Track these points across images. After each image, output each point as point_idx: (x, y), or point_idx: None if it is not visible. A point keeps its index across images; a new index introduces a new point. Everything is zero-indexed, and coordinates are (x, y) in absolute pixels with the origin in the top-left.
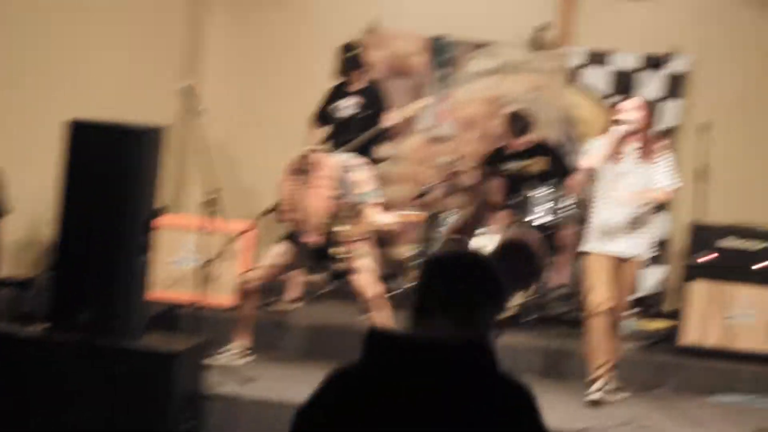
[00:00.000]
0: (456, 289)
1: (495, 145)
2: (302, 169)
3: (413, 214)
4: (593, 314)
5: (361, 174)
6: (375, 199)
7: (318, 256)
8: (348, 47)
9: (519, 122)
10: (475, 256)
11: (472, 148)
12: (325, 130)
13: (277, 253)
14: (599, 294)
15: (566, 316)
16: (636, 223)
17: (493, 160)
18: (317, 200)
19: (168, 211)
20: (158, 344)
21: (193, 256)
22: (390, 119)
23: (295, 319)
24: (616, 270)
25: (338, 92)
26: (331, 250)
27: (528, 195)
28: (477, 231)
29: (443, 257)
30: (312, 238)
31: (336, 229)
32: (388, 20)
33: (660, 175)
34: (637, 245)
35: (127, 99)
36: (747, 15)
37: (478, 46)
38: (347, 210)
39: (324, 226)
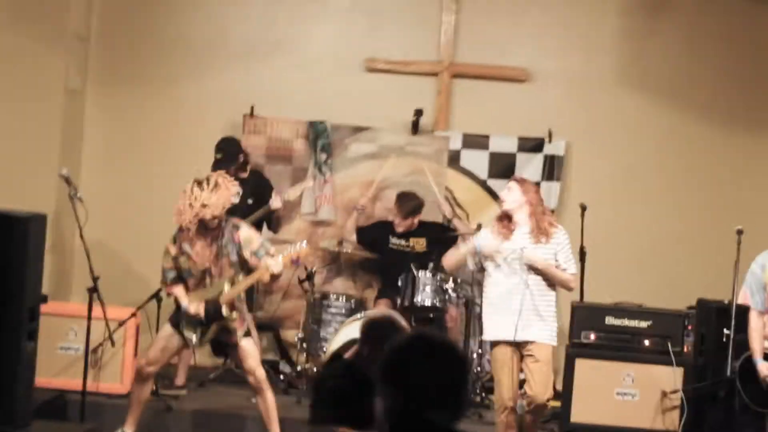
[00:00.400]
0: None
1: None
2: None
3: (294, 251)
4: (500, 411)
5: (247, 231)
6: (268, 250)
7: (207, 321)
8: (216, 148)
9: (409, 202)
10: None
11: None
12: None
13: (165, 335)
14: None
15: None
16: (542, 306)
17: (387, 233)
18: (217, 208)
19: (52, 298)
20: None
21: (79, 343)
22: (275, 203)
23: (183, 405)
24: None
25: None
26: (224, 311)
27: (414, 276)
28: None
29: None
30: (196, 310)
31: (224, 289)
32: (266, 107)
33: (563, 259)
34: (543, 329)
35: (5, 186)
36: (618, 100)
37: (357, 130)
38: (234, 268)
39: (209, 291)
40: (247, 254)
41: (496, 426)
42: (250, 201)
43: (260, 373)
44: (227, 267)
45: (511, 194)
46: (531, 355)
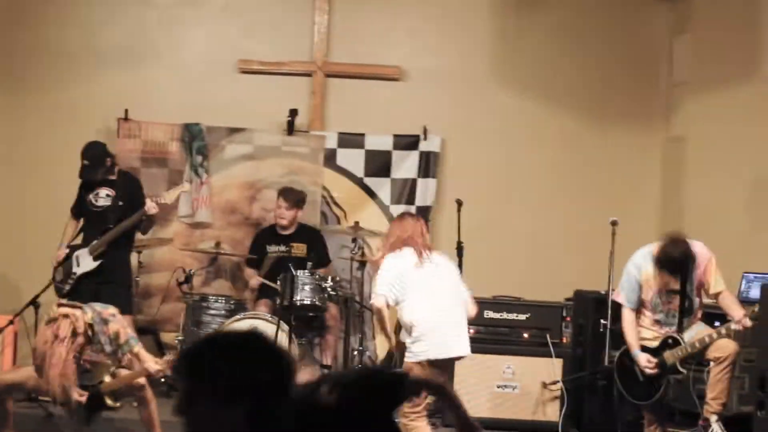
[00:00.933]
0: None
1: (262, 228)
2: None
3: (168, 360)
4: None
5: (116, 324)
6: (138, 344)
7: (91, 408)
8: (84, 151)
9: (293, 193)
10: None
11: (231, 233)
12: (81, 223)
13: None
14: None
15: None
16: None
17: (264, 241)
18: (58, 367)
19: None
20: None
21: None
22: (151, 207)
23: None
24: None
25: (91, 184)
26: (108, 402)
27: (292, 275)
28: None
29: None
30: (79, 398)
31: (105, 380)
32: (140, 111)
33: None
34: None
35: None
36: (492, 96)
37: (233, 131)
38: (111, 359)
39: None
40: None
41: None
42: (121, 203)
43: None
44: (102, 359)
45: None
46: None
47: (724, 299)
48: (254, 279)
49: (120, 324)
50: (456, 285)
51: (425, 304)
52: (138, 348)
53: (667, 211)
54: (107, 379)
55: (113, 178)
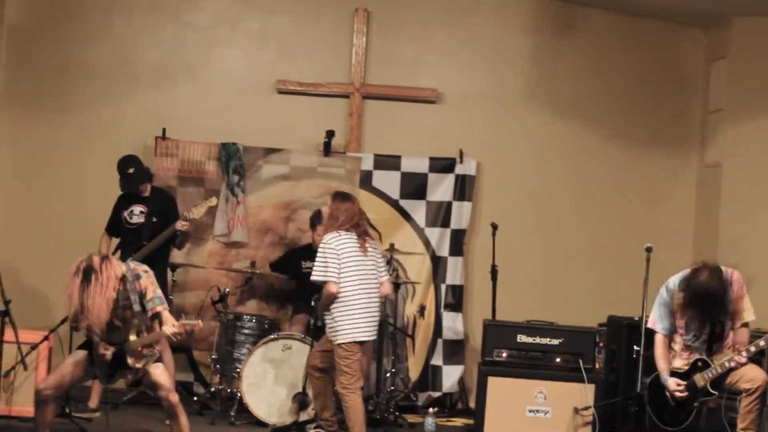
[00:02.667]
0: None
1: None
2: (87, 273)
3: (191, 323)
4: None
5: (147, 280)
6: (162, 305)
7: (114, 366)
8: (126, 162)
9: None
10: None
11: (266, 253)
12: (118, 240)
13: (71, 362)
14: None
15: (369, 416)
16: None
17: (299, 258)
18: (102, 303)
19: None
20: None
21: None
22: (180, 223)
23: (97, 428)
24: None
25: (126, 202)
26: (129, 361)
27: None
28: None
29: None
30: (104, 351)
31: (130, 338)
32: (178, 130)
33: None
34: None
35: None
36: (527, 120)
37: (269, 152)
38: (138, 318)
39: (114, 335)
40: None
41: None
42: (154, 219)
43: (173, 397)
44: (131, 317)
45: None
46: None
47: (742, 333)
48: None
49: (150, 281)
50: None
51: (359, 288)
52: (161, 308)
53: (702, 238)
54: (132, 338)
55: (147, 195)
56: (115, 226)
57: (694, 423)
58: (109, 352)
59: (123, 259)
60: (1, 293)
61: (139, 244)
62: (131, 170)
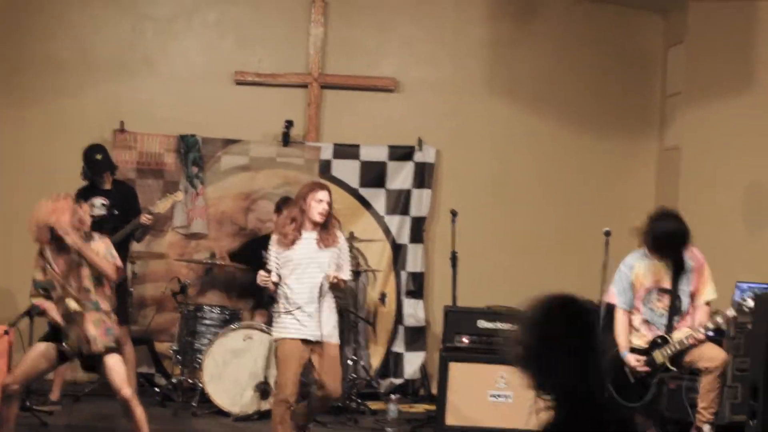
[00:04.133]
0: None
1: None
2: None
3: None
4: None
5: (97, 243)
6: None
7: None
8: (94, 148)
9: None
10: None
11: (226, 243)
12: None
13: (37, 354)
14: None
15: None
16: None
17: (260, 248)
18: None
19: None
20: None
21: None
22: (145, 217)
23: (58, 420)
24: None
25: (86, 193)
26: (90, 330)
27: None
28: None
29: None
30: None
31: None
32: (136, 122)
33: (345, 263)
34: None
35: None
36: (487, 107)
37: (228, 143)
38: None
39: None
40: None
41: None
42: (116, 212)
43: (126, 391)
44: (85, 278)
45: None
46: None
47: (702, 310)
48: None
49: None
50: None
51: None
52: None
53: None
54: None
55: (108, 188)
56: None
57: (653, 400)
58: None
59: None
60: None
61: None
62: (99, 156)
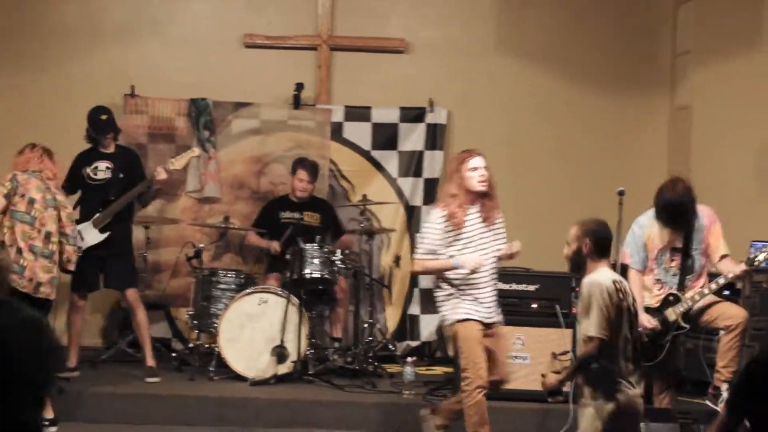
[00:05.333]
0: None
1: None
2: None
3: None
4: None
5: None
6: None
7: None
8: (99, 110)
9: (313, 168)
10: None
11: (239, 207)
12: (79, 195)
13: None
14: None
15: (347, 368)
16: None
17: (277, 210)
18: None
19: None
20: None
21: None
22: (160, 172)
23: (76, 387)
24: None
25: (88, 158)
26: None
27: (301, 249)
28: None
29: None
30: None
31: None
32: (146, 86)
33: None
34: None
35: None
36: (497, 67)
37: (239, 106)
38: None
39: None
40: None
41: (468, 407)
42: (121, 175)
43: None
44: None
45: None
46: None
47: (726, 262)
48: (274, 244)
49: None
50: None
51: None
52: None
53: None
54: None
55: (111, 151)
56: (73, 183)
57: (668, 359)
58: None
59: (88, 215)
60: None
61: (106, 199)
62: (104, 117)
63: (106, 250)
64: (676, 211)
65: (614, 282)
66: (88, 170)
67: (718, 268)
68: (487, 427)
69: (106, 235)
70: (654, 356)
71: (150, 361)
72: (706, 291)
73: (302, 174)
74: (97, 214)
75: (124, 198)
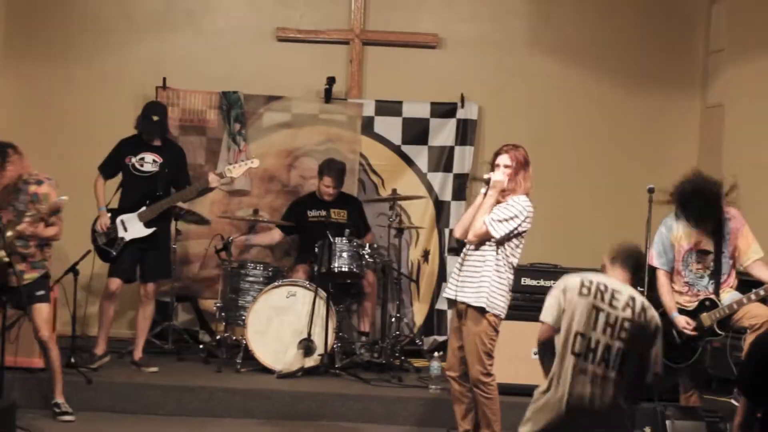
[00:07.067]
0: None
1: (303, 195)
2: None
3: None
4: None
5: (47, 189)
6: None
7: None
8: (153, 107)
9: (337, 172)
10: None
11: (269, 200)
12: (120, 182)
13: None
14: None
15: (374, 362)
16: None
17: (305, 208)
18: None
19: None
20: None
21: None
22: (213, 180)
23: (102, 377)
24: None
25: (134, 147)
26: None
27: (330, 242)
28: None
29: None
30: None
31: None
32: (178, 79)
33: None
34: None
35: None
36: (529, 63)
37: (270, 99)
38: (20, 217)
39: None
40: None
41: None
42: (167, 170)
43: (44, 334)
44: (10, 215)
45: (499, 175)
46: None
47: (760, 266)
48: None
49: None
50: None
51: None
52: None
53: None
54: (9, 233)
55: (159, 144)
56: (113, 168)
57: (698, 360)
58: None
59: (131, 206)
60: (2, 244)
61: (153, 193)
62: (156, 118)
63: (147, 243)
64: (703, 198)
65: (584, 280)
66: (134, 160)
67: (752, 272)
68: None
69: (152, 230)
70: (685, 358)
71: (140, 353)
72: (745, 300)
73: (328, 181)
74: (144, 208)
75: (176, 197)
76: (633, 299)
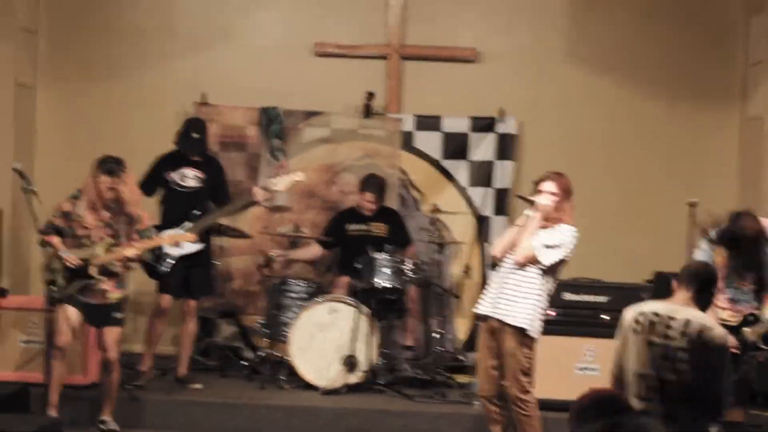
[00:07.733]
0: None
1: (343, 209)
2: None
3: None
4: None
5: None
6: (151, 234)
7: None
8: (194, 124)
9: (377, 187)
10: None
11: (310, 216)
12: (160, 197)
13: (66, 317)
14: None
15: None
16: None
17: (344, 222)
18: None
19: (12, 292)
20: (8, 425)
21: (41, 336)
22: (259, 194)
23: (148, 395)
24: None
25: (174, 163)
26: (91, 272)
27: (373, 257)
28: None
29: None
30: (71, 259)
31: (97, 253)
32: (217, 95)
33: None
34: None
35: None
36: (567, 76)
37: (310, 115)
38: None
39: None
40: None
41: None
42: (209, 185)
43: (112, 355)
44: (107, 237)
45: (546, 199)
46: None
47: None
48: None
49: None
50: None
51: None
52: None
53: (746, 192)
54: (99, 251)
55: (199, 160)
56: (154, 184)
57: (743, 375)
58: (76, 260)
59: (174, 222)
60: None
61: (195, 208)
62: (197, 135)
63: (191, 259)
64: (735, 243)
65: (637, 314)
66: (174, 175)
67: None
68: None
69: (201, 246)
70: None
71: (184, 370)
72: None
73: (369, 196)
74: (189, 224)
75: (222, 212)
76: (688, 323)
